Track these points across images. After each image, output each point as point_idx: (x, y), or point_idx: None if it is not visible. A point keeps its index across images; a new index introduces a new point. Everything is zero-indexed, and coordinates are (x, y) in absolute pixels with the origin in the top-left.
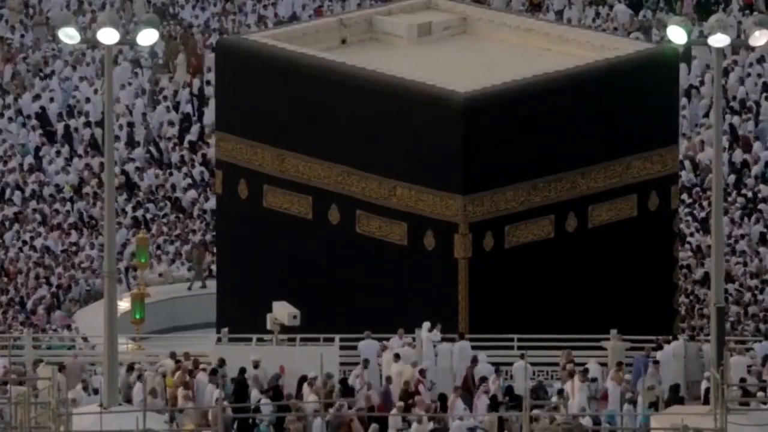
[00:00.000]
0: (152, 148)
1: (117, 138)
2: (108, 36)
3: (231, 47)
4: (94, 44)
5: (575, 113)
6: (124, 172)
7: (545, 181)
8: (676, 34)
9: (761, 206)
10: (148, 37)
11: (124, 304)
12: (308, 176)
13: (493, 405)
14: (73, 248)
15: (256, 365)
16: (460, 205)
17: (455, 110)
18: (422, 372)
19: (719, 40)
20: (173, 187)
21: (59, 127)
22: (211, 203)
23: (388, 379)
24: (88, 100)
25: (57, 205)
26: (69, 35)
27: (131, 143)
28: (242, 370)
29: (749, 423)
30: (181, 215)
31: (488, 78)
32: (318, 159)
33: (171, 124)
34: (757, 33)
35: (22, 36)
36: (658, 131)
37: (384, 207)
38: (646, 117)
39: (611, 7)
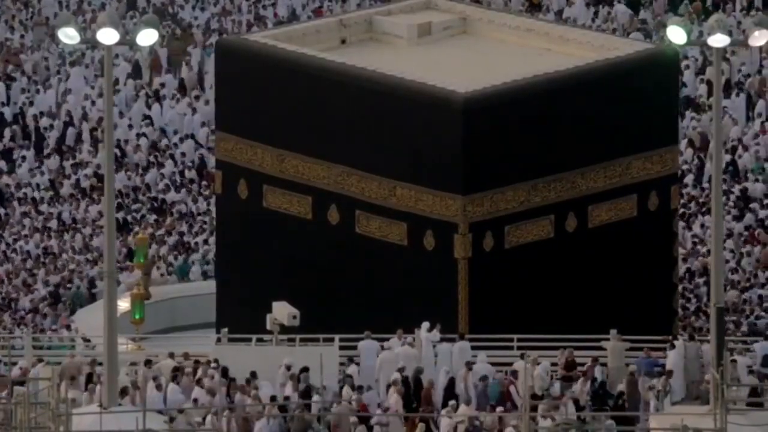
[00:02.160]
0: (116, 151)
1: (81, 141)
2: (108, 36)
3: (231, 47)
4: (94, 44)
5: (575, 113)
6: (96, 175)
7: (545, 181)
8: (676, 34)
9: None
10: (147, 37)
11: (123, 305)
12: (308, 176)
13: (578, 408)
14: (55, 250)
15: (289, 368)
16: (459, 205)
17: (455, 110)
18: (514, 374)
19: (719, 40)
20: (148, 187)
21: (30, 130)
22: (201, 205)
23: (484, 379)
24: (28, 102)
25: (44, 207)
26: (69, 35)
27: (95, 146)
28: (304, 369)
29: (749, 423)
30: (160, 216)
31: (488, 78)
32: (318, 159)
33: (130, 126)
34: (757, 33)
35: (22, 36)
36: (658, 131)
37: (384, 207)
38: (646, 117)
39: (611, 7)
